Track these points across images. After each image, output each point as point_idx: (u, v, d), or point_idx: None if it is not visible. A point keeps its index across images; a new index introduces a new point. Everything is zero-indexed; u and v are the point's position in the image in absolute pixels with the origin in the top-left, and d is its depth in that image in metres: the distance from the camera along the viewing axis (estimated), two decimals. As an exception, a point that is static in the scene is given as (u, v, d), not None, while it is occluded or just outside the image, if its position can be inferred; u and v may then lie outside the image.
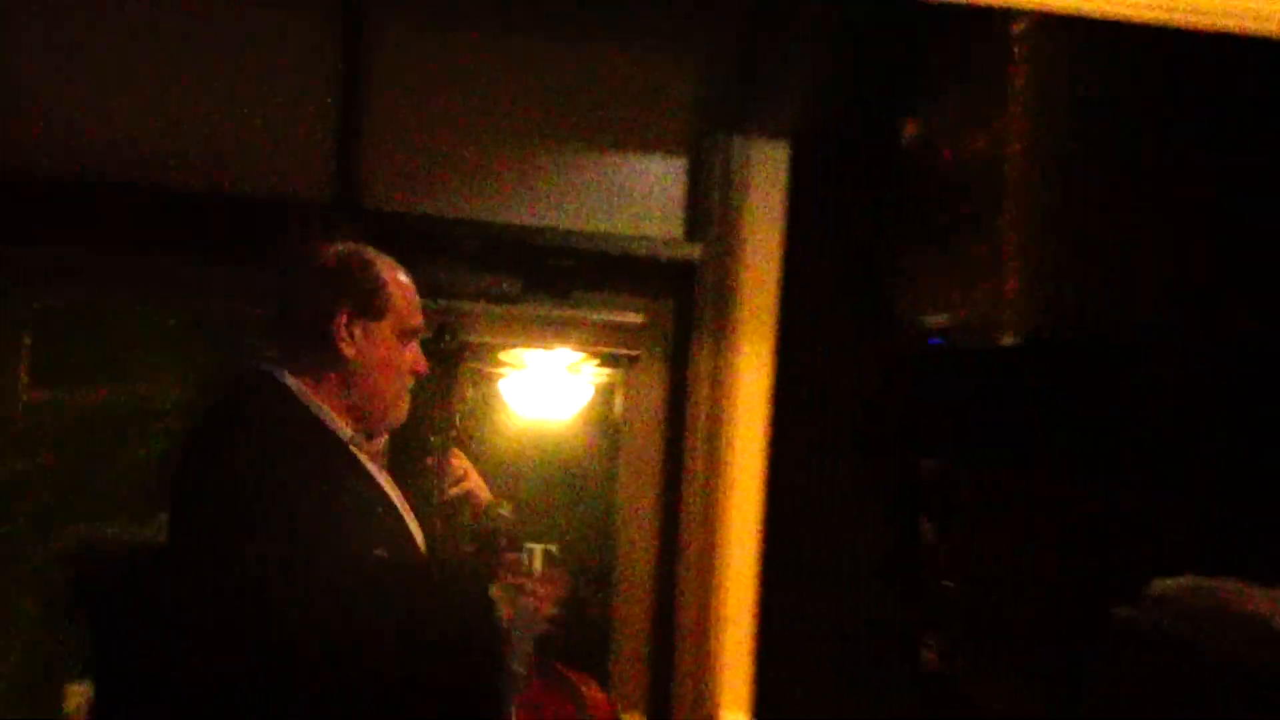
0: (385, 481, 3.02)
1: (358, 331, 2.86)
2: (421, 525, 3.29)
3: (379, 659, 2.65)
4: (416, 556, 3.08)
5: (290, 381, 2.80)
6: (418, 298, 3.03)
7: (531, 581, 3.18)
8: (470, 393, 3.81)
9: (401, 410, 3.04)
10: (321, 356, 2.85)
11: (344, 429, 2.85)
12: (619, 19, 4.79)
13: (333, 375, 2.86)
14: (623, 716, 4.54)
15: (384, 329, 2.94)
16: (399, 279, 2.98)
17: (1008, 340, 4.56)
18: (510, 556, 3.22)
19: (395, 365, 2.98)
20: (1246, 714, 2.90)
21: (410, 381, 3.07)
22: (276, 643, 2.61)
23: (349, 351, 2.83)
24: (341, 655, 2.62)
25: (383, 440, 3.18)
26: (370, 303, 2.88)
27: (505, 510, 3.32)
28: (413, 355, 3.05)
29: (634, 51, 4.88)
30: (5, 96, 4.50)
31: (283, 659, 2.59)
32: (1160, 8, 4.33)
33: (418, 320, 3.02)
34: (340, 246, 2.99)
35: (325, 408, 2.84)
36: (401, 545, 2.96)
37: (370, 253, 2.96)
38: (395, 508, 3.01)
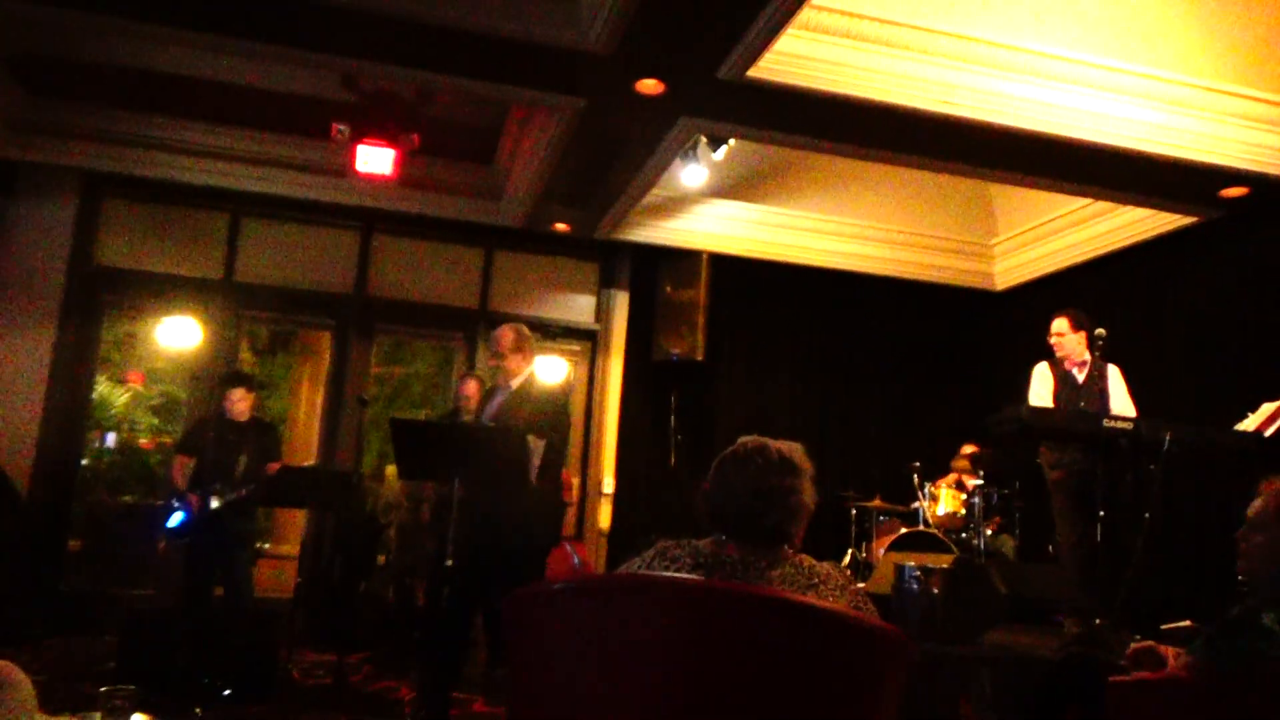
0: (500, 401, 4.02)
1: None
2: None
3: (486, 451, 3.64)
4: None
5: None
6: (495, 341, 4.04)
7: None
8: None
9: (503, 381, 4.00)
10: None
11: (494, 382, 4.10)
12: (579, 255, 7.07)
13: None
14: (573, 478, 6.50)
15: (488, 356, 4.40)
16: (492, 334, 4.08)
17: (698, 358, 6.76)
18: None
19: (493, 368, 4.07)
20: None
21: (496, 372, 3.99)
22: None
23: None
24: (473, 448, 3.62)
25: (508, 390, 4.02)
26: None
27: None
28: (493, 364, 4.06)
29: (581, 263, 7.16)
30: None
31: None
32: (749, 251, 6.88)
33: (494, 348, 4.03)
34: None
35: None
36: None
37: (502, 327, 4.07)
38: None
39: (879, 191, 7.10)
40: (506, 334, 4.05)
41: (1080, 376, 4.89)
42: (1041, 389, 4.87)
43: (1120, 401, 4.66)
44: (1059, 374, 4.91)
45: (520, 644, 1.71)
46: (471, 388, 5.39)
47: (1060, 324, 4.95)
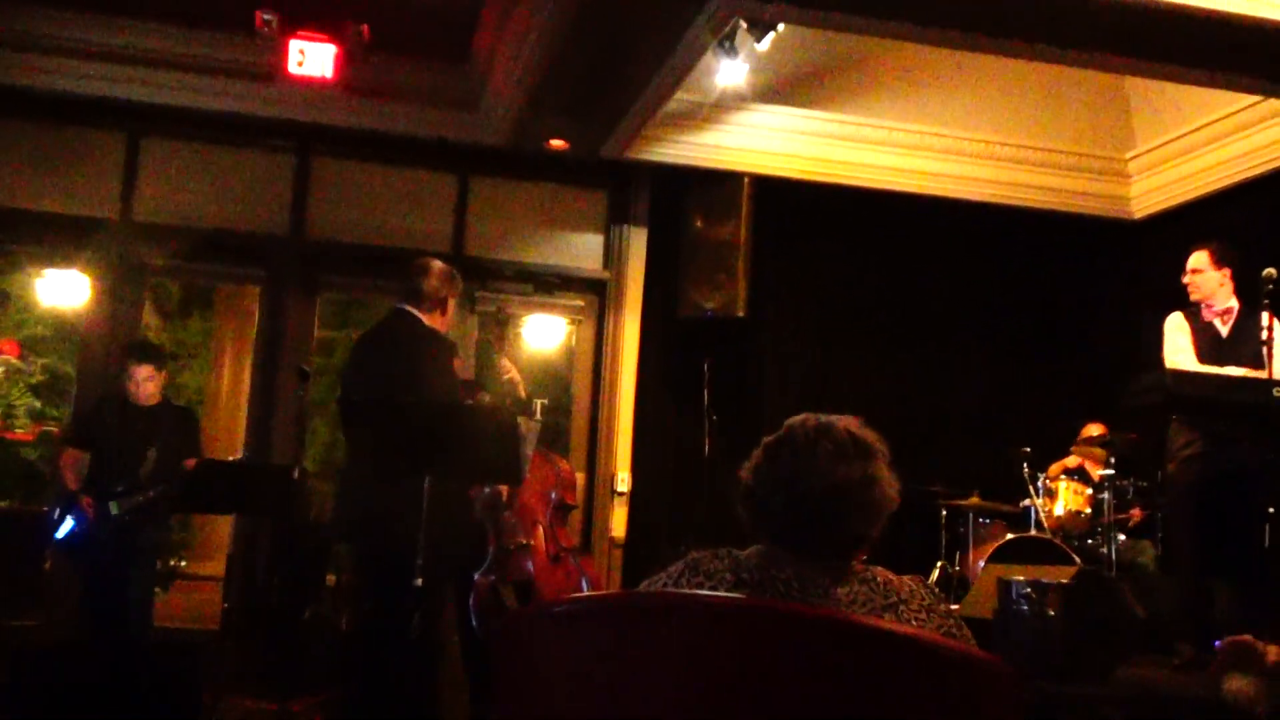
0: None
1: (454, 299, 4.40)
2: (488, 384, 5.19)
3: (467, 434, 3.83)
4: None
5: (411, 309, 4.32)
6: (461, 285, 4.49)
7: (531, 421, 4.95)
8: (510, 333, 6.04)
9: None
10: (439, 306, 4.37)
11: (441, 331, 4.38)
12: (581, 182, 7.18)
13: (435, 312, 4.33)
14: (576, 473, 6.13)
15: (459, 298, 4.51)
16: (457, 277, 4.48)
17: (738, 313, 6.78)
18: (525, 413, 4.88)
19: (453, 310, 4.45)
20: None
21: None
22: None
23: (452, 304, 4.39)
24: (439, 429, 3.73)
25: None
26: (457, 285, 4.46)
27: (522, 392, 5.12)
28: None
29: (583, 192, 7.25)
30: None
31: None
32: (804, 172, 6.91)
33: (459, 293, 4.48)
34: (434, 261, 4.49)
35: (428, 321, 4.33)
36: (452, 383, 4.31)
37: (447, 266, 4.47)
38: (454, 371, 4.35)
39: (976, 92, 7.07)
40: None
41: (1224, 329, 4.92)
42: (1182, 345, 4.88)
43: None
44: (1196, 326, 4.94)
45: (514, 680, 1.73)
46: None
47: (1200, 258, 4.98)
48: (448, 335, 4.50)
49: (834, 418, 1.99)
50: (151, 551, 5.40)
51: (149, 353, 5.60)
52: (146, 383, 5.40)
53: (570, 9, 5.08)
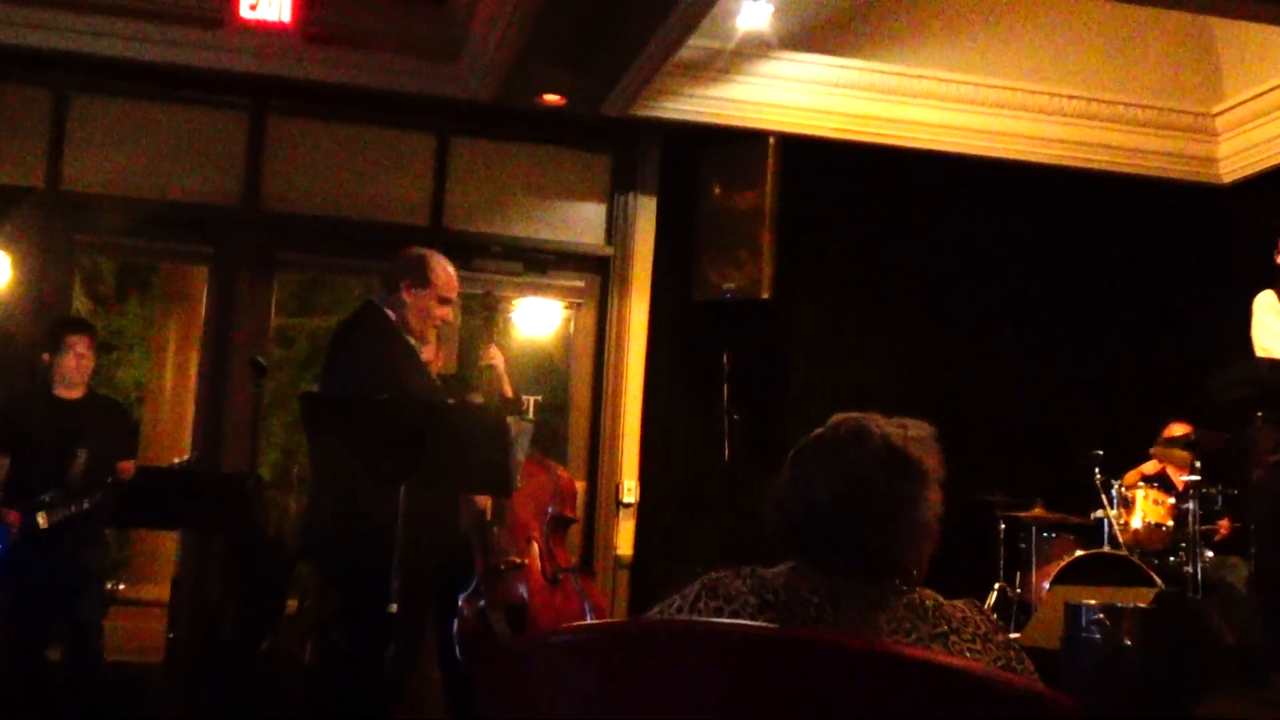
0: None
1: (412, 292, 4.34)
2: (471, 378, 5.34)
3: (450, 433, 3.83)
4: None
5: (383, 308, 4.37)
6: (454, 282, 4.45)
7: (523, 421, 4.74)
8: (498, 320, 5.84)
9: (429, 335, 4.43)
10: (398, 299, 4.36)
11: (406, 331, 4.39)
12: (580, 143, 7.18)
13: (403, 310, 4.34)
14: (576, 482, 6.00)
15: (428, 294, 4.37)
16: (444, 269, 4.41)
17: (763, 295, 6.74)
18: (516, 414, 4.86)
19: (429, 314, 4.39)
20: None
21: (437, 326, 4.49)
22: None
23: (407, 299, 4.31)
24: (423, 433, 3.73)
25: (431, 344, 4.64)
26: (423, 278, 4.38)
27: (507, 387, 5.07)
28: (443, 312, 4.40)
29: (583, 155, 7.26)
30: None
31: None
32: (839, 130, 6.92)
33: (451, 294, 4.41)
34: (418, 249, 4.52)
35: (397, 321, 4.36)
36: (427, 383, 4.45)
37: (431, 254, 4.44)
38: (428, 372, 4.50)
39: (1039, 38, 7.10)
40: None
41: None
42: (1276, 329, 4.95)
43: None
44: None
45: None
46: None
47: None
48: None
49: (889, 421, 1.98)
50: (92, 574, 5.40)
51: (80, 324, 5.61)
52: (85, 358, 5.42)
53: (566, -59, 5.12)
